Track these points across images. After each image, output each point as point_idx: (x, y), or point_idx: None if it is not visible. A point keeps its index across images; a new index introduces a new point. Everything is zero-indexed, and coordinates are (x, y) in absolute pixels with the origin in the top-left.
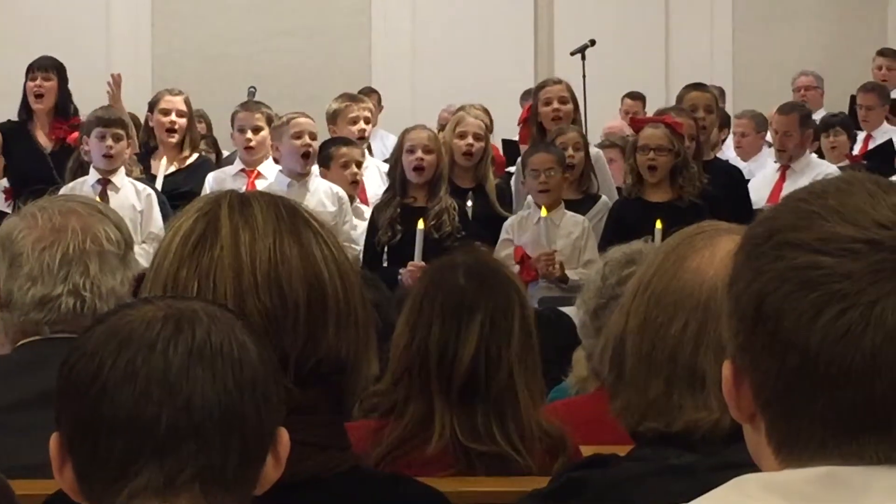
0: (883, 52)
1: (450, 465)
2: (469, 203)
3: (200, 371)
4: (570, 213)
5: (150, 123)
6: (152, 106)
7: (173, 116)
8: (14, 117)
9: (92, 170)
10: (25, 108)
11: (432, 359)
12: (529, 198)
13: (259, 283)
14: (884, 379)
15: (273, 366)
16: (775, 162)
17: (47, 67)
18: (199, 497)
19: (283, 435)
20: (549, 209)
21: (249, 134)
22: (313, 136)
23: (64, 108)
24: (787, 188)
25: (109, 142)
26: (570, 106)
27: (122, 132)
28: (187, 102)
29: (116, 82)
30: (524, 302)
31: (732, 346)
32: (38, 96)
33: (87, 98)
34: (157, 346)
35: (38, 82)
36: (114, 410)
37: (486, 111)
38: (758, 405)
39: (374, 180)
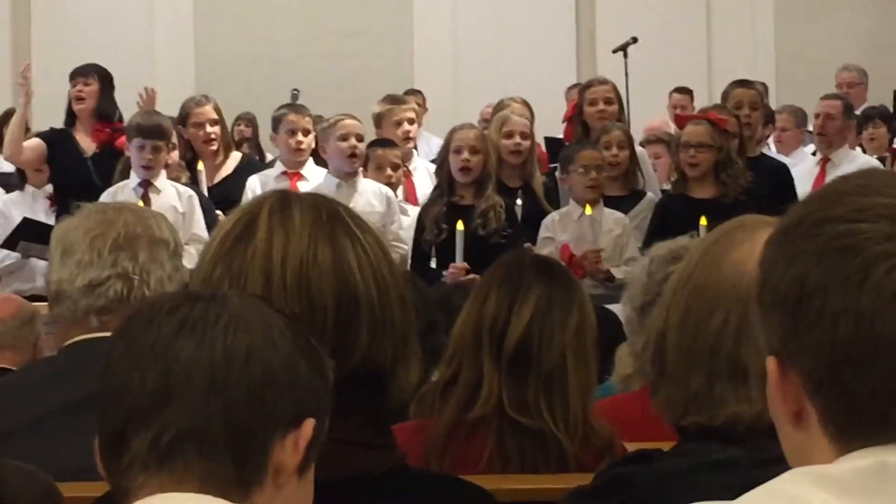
0: None
1: (488, 436)
2: (519, 202)
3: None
4: (609, 211)
5: (185, 136)
6: (183, 120)
7: (207, 128)
8: (59, 123)
9: (133, 173)
10: (69, 114)
11: (485, 325)
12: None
13: (288, 286)
14: None
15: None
16: (813, 154)
17: (87, 73)
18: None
19: (308, 424)
20: (591, 206)
21: (300, 136)
22: (360, 138)
23: (105, 112)
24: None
25: (148, 154)
26: (615, 107)
27: (161, 143)
28: (216, 108)
29: (150, 96)
30: (587, 301)
31: (774, 339)
32: (79, 100)
33: (130, 102)
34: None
35: (78, 87)
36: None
37: (527, 104)
38: (808, 393)
39: (423, 181)
